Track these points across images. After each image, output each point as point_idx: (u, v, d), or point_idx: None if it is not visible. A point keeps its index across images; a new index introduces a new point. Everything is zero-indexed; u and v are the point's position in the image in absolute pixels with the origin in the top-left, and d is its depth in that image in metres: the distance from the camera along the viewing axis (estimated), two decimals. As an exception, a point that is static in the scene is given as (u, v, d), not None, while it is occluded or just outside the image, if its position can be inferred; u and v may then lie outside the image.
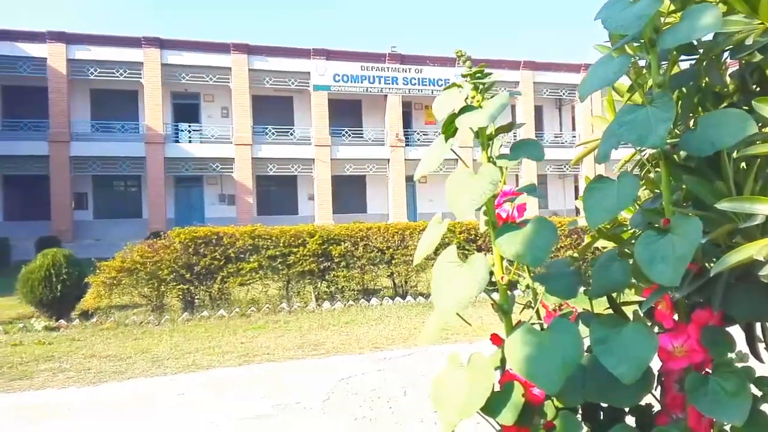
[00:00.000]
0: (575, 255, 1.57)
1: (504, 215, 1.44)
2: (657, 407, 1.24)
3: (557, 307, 1.68)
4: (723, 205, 1.03)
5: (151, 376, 4.65)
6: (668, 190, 1.27)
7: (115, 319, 7.21)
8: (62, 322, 7.16)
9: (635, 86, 1.41)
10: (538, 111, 28.74)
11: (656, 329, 1.25)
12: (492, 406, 1.21)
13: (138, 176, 23.95)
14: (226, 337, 6.22)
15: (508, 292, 1.31)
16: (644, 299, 1.32)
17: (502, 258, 1.36)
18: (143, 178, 23.56)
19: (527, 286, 1.55)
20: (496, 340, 1.41)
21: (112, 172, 23.06)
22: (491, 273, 1.46)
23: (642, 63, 1.34)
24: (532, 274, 1.51)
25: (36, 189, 22.57)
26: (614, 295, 1.45)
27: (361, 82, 24.50)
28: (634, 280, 1.54)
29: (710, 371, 1.09)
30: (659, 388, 1.24)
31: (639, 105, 1.19)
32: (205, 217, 23.59)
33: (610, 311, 1.42)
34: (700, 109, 1.39)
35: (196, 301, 7.74)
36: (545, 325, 1.49)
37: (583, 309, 1.58)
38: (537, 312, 1.57)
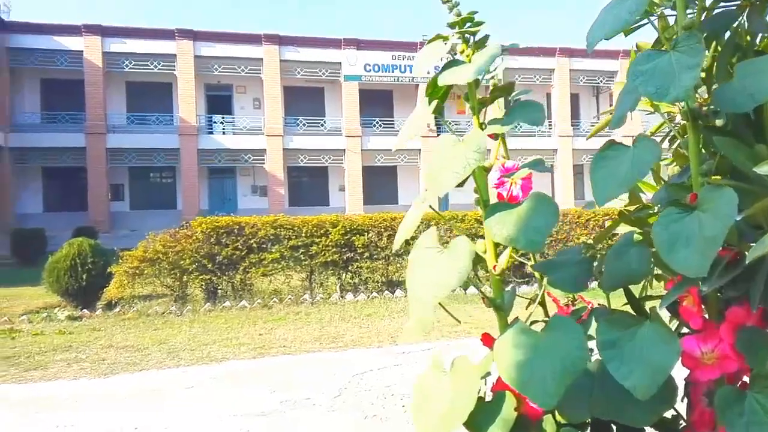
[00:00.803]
0: (590, 241, 1.33)
1: (505, 195, 1.23)
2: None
3: (570, 302, 1.45)
4: (763, 169, 0.78)
5: (163, 368, 4.55)
6: (697, 157, 1.03)
7: (137, 309, 7.19)
8: (85, 311, 7.18)
9: (662, 40, 1.14)
10: (575, 99, 27.98)
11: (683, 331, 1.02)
12: (478, 421, 0.99)
13: (173, 167, 24.24)
14: (245, 328, 6.11)
15: (509, 286, 1.08)
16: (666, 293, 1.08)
17: (496, 244, 1.13)
18: (177, 169, 23.83)
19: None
20: (487, 340, 1.19)
21: (148, 163, 23.38)
22: (480, 259, 1.24)
23: (669, 13, 1.09)
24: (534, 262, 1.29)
25: (74, 180, 23.05)
26: (636, 288, 1.20)
27: (392, 72, 24.21)
28: (659, 271, 1.30)
29: (747, 384, 0.85)
30: (685, 399, 1.02)
31: (660, 50, 0.95)
32: (237, 208, 23.74)
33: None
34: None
35: (219, 291, 7.67)
36: None
37: (599, 304, 1.35)
38: (543, 307, 1.36)
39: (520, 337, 0.93)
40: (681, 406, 0.96)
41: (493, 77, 1.17)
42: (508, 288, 1.31)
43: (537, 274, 1.37)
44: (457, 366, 1.06)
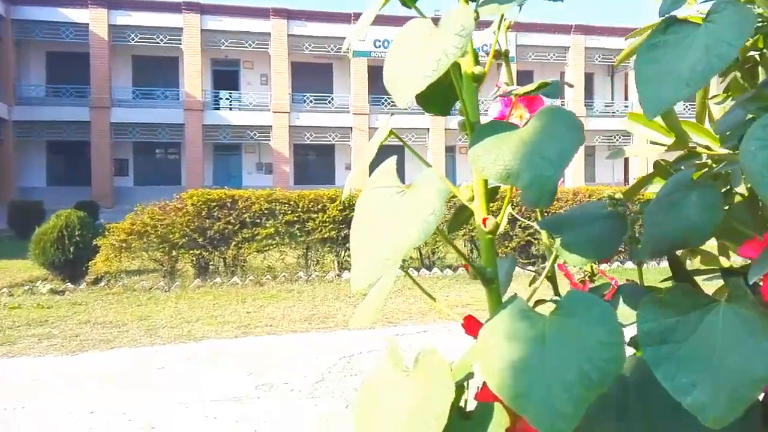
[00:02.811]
0: (617, 195, 0.94)
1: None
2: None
3: (587, 277, 1.09)
4: None
5: (137, 347, 4.23)
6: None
7: (123, 283, 6.88)
8: (69, 285, 6.88)
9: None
10: (589, 78, 27.29)
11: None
12: (452, 448, 0.55)
13: (177, 143, 23.93)
14: (233, 305, 5.78)
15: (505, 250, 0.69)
16: (749, 264, 0.69)
17: (486, 184, 0.74)
18: (182, 145, 23.51)
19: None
20: (471, 326, 0.81)
21: (152, 138, 23.08)
22: (465, 211, 0.86)
23: None
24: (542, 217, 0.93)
25: (77, 155, 22.81)
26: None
27: (402, 48, 23.57)
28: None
29: None
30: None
31: None
32: (242, 185, 23.42)
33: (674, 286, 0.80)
34: None
35: (210, 267, 7.34)
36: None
37: (628, 280, 0.98)
38: (553, 283, 0.97)
39: (517, 323, 0.61)
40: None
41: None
42: (503, 256, 0.92)
43: (544, 236, 0.99)
44: (422, 363, 0.69)
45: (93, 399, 3.15)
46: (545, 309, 0.88)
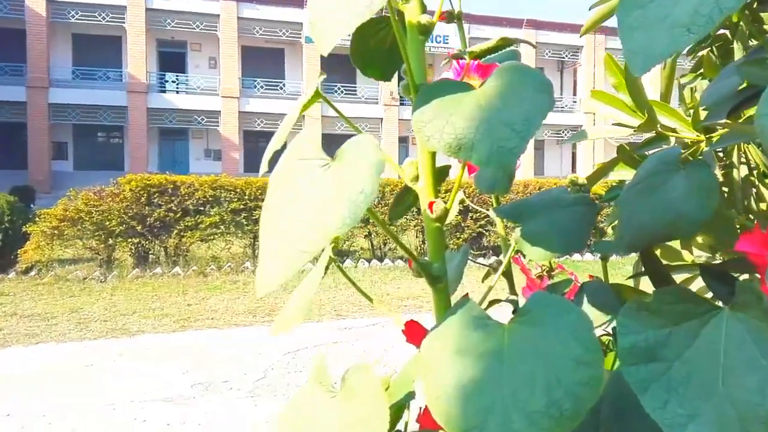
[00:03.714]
0: (580, 180, 0.82)
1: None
2: None
3: (545, 272, 0.97)
4: None
5: (65, 342, 3.94)
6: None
7: (56, 273, 6.49)
8: (-5, 274, 6.45)
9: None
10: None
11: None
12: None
13: (121, 127, 23.00)
14: (173, 297, 5.51)
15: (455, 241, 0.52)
16: (729, 260, 0.54)
17: (434, 160, 0.60)
18: (126, 129, 22.61)
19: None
20: (412, 333, 0.72)
21: (94, 121, 22.09)
22: (409, 195, 0.69)
23: None
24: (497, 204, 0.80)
25: (13, 137, 21.64)
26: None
27: (356, 36, 23.29)
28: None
29: None
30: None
31: None
32: (189, 172, 22.71)
33: (650, 285, 0.68)
34: None
35: (150, 256, 7.01)
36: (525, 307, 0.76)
37: (591, 277, 0.84)
38: (509, 279, 0.83)
39: (468, 333, 0.48)
40: None
41: None
42: (454, 248, 0.80)
43: (499, 226, 0.87)
44: (351, 384, 0.52)
45: (11, 399, 2.88)
46: (501, 312, 0.74)
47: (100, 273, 6.55)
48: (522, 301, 0.85)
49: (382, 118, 24.27)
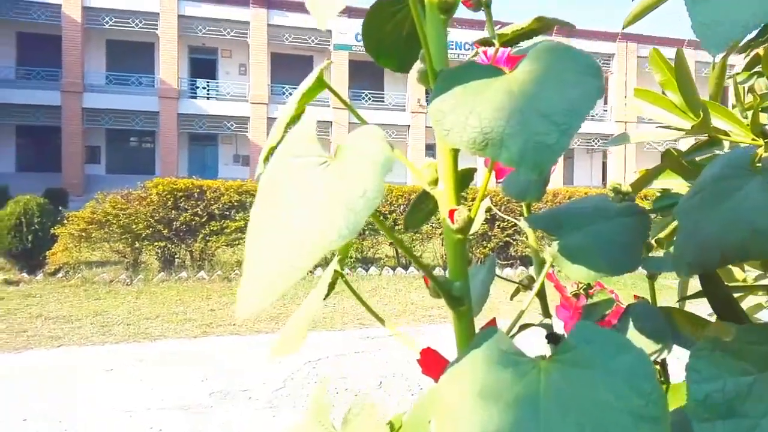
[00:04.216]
0: (623, 187, 0.72)
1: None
2: None
3: (582, 290, 0.86)
4: None
5: (87, 345, 3.93)
6: None
7: (83, 275, 6.54)
8: (24, 275, 6.52)
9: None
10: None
11: None
12: None
13: (152, 132, 23.37)
14: (197, 302, 5.49)
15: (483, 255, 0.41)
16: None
17: (455, 160, 0.51)
18: (157, 134, 22.95)
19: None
20: (429, 363, 0.60)
21: (126, 126, 22.48)
22: (427, 201, 0.57)
23: None
24: (529, 212, 0.70)
25: (48, 140, 22.14)
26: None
27: (384, 43, 23.28)
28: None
29: None
30: None
31: None
32: (217, 177, 22.94)
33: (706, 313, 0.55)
34: None
35: (176, 260, 7.03)
36: (563, 335, 0.70)
37: (639, 298, 0.72)
38: (542, 300, 0.72)
39: (496, 373, 0.38)
40: None
41: None
42: (477, 263, 0.71)
43: (530, 237, 0.77)
44: (354, 426, 0.39)
45: (30, 403, 2.86)
46: (532, 340, 0.64)
47: (127, 276, 6.58)
48: (556, 324, 0.75)
49: (409, 126, 24.21)
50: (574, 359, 0.39)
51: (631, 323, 0.67)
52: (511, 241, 7.83)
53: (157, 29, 22.25)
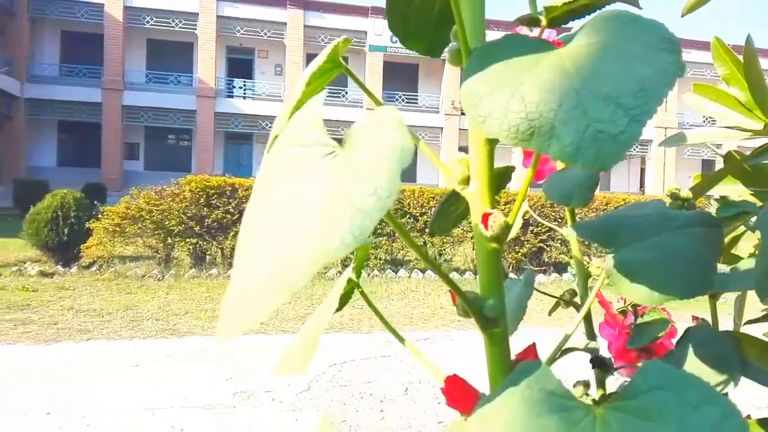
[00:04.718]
0: (683, 193, 0.61)
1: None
2: None
3: (630, 306, 0.77)
4: None
5: (115, 339, 3.95)
6: None
7: (116, 269, 6.62)
8: (59, 268, 6.63)
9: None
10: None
11: None
12: None
13: (189, 130, 23.75)
14: (225, 299, 5.49)
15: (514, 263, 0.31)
16: None
17: (491, 154, 0.43)
18: (194, 132, 23.32)
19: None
20: (455, 393, 0.47)
21: (164, 123, 22.88)
22: (456, 203, 0.45)
23: None
24: (573, 221, 0.59)
25: (89, 136, 22.67)
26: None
27: (420, 44, 23.17)
28: None
29: None
30: None
31: None
32: (252, 176, 23.18)
33: None
34: None
35: (207, 257, 7.07)
36: (610, 359, 0.59)
37: (696, 319, 0.64)
38: (586, 318, 0.62)
39: (538, 418, 0.31)
40: None
41: None
42: (513, 275, 0.63)
43: (574, 247, 0.70)
44: None
45: (54, 398, 2.87)
46: (575, 365, 0.56)
47: (158, 271, 6.64)
48: (602, 346, 0.66)
49: (442, 128, 24.07)
50: (641, 408, 0.31)
51: (691, 349, 0.58)
52: (545, 246, 7.65)
53: (196, 29, 22.61)
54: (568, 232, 0.54)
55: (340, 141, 0.36)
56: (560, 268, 7.78)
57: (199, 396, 2.90)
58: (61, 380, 3.11)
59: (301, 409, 2.81)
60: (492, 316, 0.42)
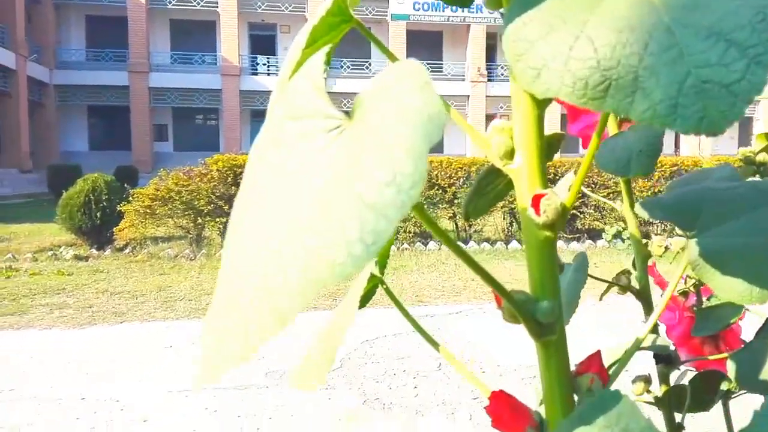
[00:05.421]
0: (760, 157, 0.49)
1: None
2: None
3: (693, 287, 0.67)
4: None
5: (149, 321, 3.98)
6: None
7: (149, 251, 6.69)
8: (93, 251, 6.73)
9: None
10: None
11: None
12: None
13: (216, 109, 23.83)
14: (256, 277, 5.51)
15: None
16: None
17: (541, 121, 0.32)
18: (220, 111, 23.40)
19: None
20: (503, 414, 0.38)
21: (191, 104, 23.01)
22: (496, 179, 0.38)
23: None
24: (632, 196, 0.48)
25: (118, 119, 22.93)
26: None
27: (443, 11, 22.75)
28: None
29: None
30: None
31: None
32: (278, 152, 23.19)
33: None
34: None
35: (237, 235, 7.06)
36: (675, 352, 0.48)
37: None
38: (646, 303, 0.53)
39: None
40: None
41: None
42: (565, 258, 0.53)
43: (631, 222, 0.61)
44: None
45: (89, 382, 2.89)
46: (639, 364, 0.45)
47: (190, 251, 6.69)
48: (666, 340, 0.58)
49: (468, 96, 23.67)
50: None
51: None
52: (578, 213, 7.46)
53: (217, 7, 22.51)
54: (637, 211, 0.45)
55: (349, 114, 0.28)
56: (594, 234, 7.59)
57: (231, 376, 2.89)
58: (95, 364, 3.14)
59: (334, 387, 2.78)
60: (546, 322, 0.34)
